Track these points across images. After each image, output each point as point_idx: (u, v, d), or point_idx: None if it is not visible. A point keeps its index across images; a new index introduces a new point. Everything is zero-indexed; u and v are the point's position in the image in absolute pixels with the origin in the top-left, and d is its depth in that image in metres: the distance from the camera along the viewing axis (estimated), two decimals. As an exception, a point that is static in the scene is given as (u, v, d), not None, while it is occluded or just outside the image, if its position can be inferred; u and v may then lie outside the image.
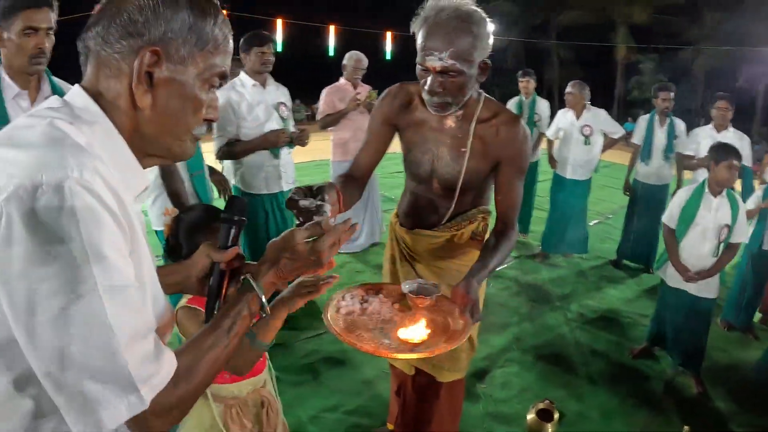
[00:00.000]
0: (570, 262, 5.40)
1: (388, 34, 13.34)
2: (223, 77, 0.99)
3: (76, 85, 0.91)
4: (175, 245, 1.67)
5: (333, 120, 5.05)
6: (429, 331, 1.52)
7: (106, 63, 0.89)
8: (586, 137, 5.23)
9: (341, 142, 5.12)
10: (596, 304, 4.43)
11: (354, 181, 1.97)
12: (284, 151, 3.78)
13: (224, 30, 0.96)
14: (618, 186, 6.14)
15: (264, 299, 1.06)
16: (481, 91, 1.91)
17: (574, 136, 5.27)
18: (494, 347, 3.66)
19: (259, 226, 3.73)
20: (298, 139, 3.76)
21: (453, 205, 1.99)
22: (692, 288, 3.26)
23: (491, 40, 1.73)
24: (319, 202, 1.37)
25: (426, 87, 1.73)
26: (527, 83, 5.96)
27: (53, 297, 0.73)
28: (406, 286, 1.63)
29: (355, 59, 5.07)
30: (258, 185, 3.71)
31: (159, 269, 1.14)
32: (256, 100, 3.69)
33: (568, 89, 5.37)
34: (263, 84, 3.75)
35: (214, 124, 3.45)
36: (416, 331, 1.51)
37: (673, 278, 3.34)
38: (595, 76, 25.56)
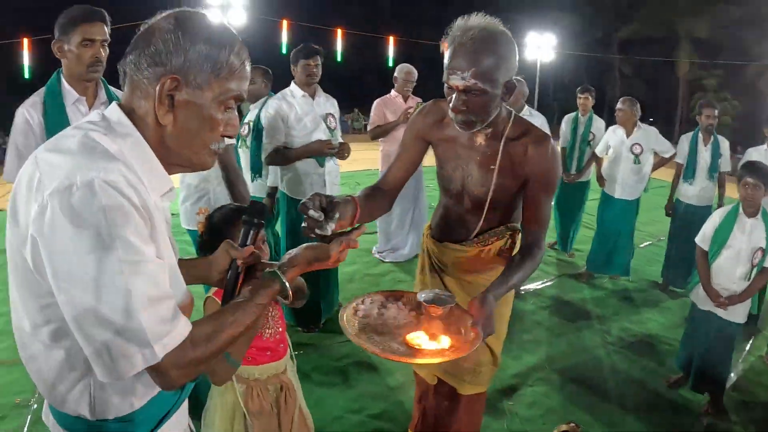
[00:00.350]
0: (615, 284, 5.30)
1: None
2: (240, 99, 1.14)
3: (114, 103, 1.09)
4: (207, 241, 1.79)
5: (382, 131, 5.14)
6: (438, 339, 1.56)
7: (138, 86, 1.07)
8: (636, 156, 5.12)
9: (389, 154, 5.19)
10: (636, 328, 4.33)
11: (381, 194, 2.03)
12: (330, 160, 3.91)
13: (241, 57, 1.12)
14: (672, 207, 6.03)
15: (289, 289, 1.25)
16: (511, 109, 1.94)
17: (624, 154, 5.16)
18: (526, 365, 3.64)
19: (301, 229, 3.84)
20: (337, 153, 3.87)
21: (481, 221, 2.02)
22: (721, 311, 3.17)
23: (516, 61, 1.76)
24: (321, 219, 1.48)
25: (450, 105, 1.77)
26: (586, 100, 5.88)
27: (85, 269, 0.93)
28: (422, 295, 1.66)
29: (405, 72, 5.13)
30: (303, 191, 3.85)
31: (185, 261, 1.36)
32: (304, 111, 3.84)
33: (619, 106, 5.23)
34: (312, 95, 3.91)
35: (264, 132, 3.75)
36: (424, 337, 1.57)
37: (703, 301, 3.25)
38: (657, 92, 24.96)
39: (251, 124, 4.02)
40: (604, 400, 3.30)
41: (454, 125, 1.89)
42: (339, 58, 13.37)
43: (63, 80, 2.39)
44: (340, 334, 3.80)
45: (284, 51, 12.94)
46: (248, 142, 4.01)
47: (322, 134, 3.86)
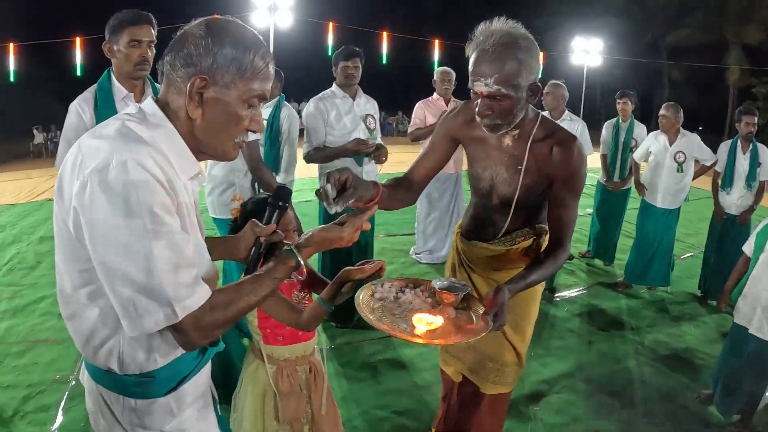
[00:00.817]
0: (652, 295, 5.22)
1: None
2: (263, 98, 1.29)
3: (149, 97, 1.26)
4: (240, 226, 1.89)
5: (424, 134, 5.22)
6: (442, 322, 1.65)
7: (173, 83, 1.23)
8: (680, 164, 5.03)
9: None
10: (671, 341, 4.27)
11: (406, 186, 2.14)
12: (369, 161, 4.03)
13: (265, 60, 1.26)
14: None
15: (303, 265, 1.39)
16: (538, 111, 1.99)
17: (667, 162, 5.06)
18: (554, 371, 3.65)
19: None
20: (375, 156, 3.98)
21: (508, 221, 2.07)
22: (754, 327, 3.06)
23: (539, 63, 1.82)
24: (333, 197, 1.58)
25: (476, 110, 1.86)
26: (625, 105, 5.77)
27: (117, 235, 1.09)
28: (437, 283, 1.75)
29: (441, 72, 5.19)
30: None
31: (215, 239, 1.59)
32: (344, 111, 4.01)
33: (663, 112, 5.13)
34: (353, 96, 4.07)
35: (305, 131, 3.94)
36: (431, 319, 1.65)
37: (740, 315, 3.15)
38: (706, 99, 24.28)
39: (264, 122, 4.15)
40: (632, 411, 3.27)
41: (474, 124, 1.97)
42: (384, 61, 13.53)
43: (113, 78, 2.56)
44: (372, 331, 3.99)
45: (330, 53, 13.11)
46: (262, 140, 4.15)
47: (361, 134, 3.99)
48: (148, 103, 1.24)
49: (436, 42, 13.12)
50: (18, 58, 15.24)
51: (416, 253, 5.80)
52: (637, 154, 5.44)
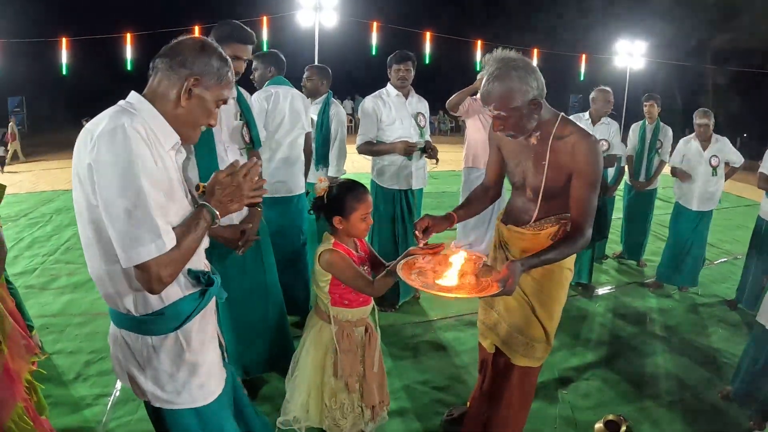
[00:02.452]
0: (683, 296, 5.36)
1: (534, 51, 13.46)
2: (225, 103, 1.71)
3: (133, 92, 1.62)
4: (322, 205, 2.42)
5: (458, 100, 5.41)
6: (458, 281, 2.09)
7: (168, 78, 1.61)
8: (714, 168, 5.17)
9: (473, 152, 5.54)
10: (698, 339, 4.42)
11: (484, 192, 2.70)
12: (419, 157, 4.43)
13: (231, 72, 1.70)
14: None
15: (215, 211, 1.66)
16: (558, 112, 2.31)
17: (702, 167, 5.20)
18: (584, 360, 3.90)
19: (387, 213, 4.41)
20: (428, 154, 4.39)
21: (537, 209, 2.38)
22: None
23: (531, 84, 2.14)
24: (422, 237, 2.33)
25: (492, 125, 2.30)
26: (651, 107, 5.93)
27: (116, 179, 1.42)
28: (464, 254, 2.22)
29: (481, 74, 5.40)
30: (390, 181, 4.41)
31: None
32: (397, 109, 4.37)
33: (703, 121, 5.20)
34: (406, 95, 4.43)
35: (360, 124, 4.40)
36: (450, 279, 2.10)
37: (764, 315, 3.23)
38: (750, 105, 23.71)
39: (314, 118, 4.51)
40: (655, 401, 3.44)
41: None
42: (427, 61, 13.75)
43: None
44: (415, 315, 4.45)
45: (374, 52, 13.52)
46: (313, 135, 4.48)
47: (411, 131, 4.37)
48: (133, 95, 1.62)
49: (479, 43, 13.28)
50: (70, 52, 15.79)
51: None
52: (674, 159, 5.53)
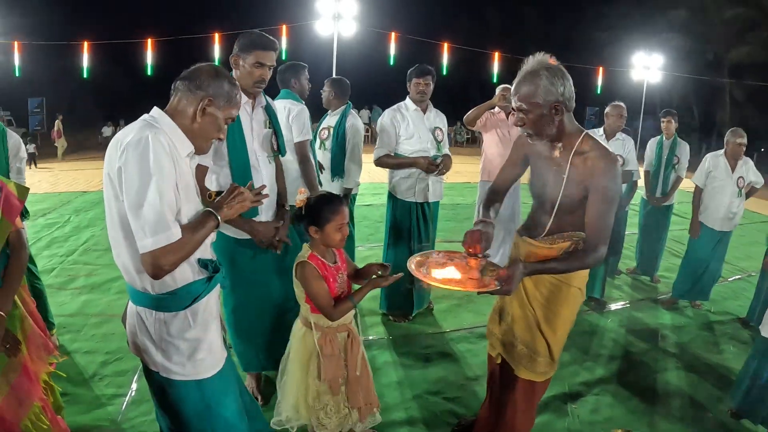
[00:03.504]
0: (695, 313, 5.35)
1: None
2: (233, 121, 2.03)
3: (155, 107, 1.91)
4: (303, 215, 2.52)
5: (477, 113, 5.45)
6: (456, 275, 2.23)
7: (186, 98, 1.90)
8: (740, 189, 5.15)
9: (489, 166, 5.55)
10: (709, 356, 4.41)
11: (497, 195, 2.72)
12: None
13: (240, 94, 2.00)
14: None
15: (218, 216, 1.94)
16: (583, 129, 2.35)
17: (729, 187, 5.16)
18: (595, 375, 3.90)
19: (404, 225, 4.45)
20: (440, 167, 4.34)
21: (551, 222, 2.40)
22: None
23: (558, 88, 2.21)
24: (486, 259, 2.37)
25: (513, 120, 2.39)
26: (669, 123, 5.93)
27: (139, 183, 1.70)
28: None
29: (503, 89, 5.43)
30: (407, 193, 4.44)
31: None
32: (415, 123, 4.40)
33: (740, 140, 5.13)
34: (424, 110, 4.46)
35: (378, 137, 4.42)
36: (448, 273, 2.25)
37: (766, 328, 3.25)
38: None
39: (331, 129, 4.56)
40: (664, 417, 3.44)
41: (543, 142, 2.39)
42: (444, 72, 13.81)
43: None
44: (428, 326, 4.51)
45: (392, 62, 13.58)
46: (327, 145, 4.55)
47: (429, 145, 4.37)
48: (156, 110, 1.89)
49: (496, 55, 13.30)
50: (91, 55, 16.01)
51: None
52: (698, 179, 5.37)
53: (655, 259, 6.20)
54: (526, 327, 2.51)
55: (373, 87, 24.21)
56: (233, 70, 2.91)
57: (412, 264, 2.30)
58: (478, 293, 2.17)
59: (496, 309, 2.74)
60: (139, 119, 1.86)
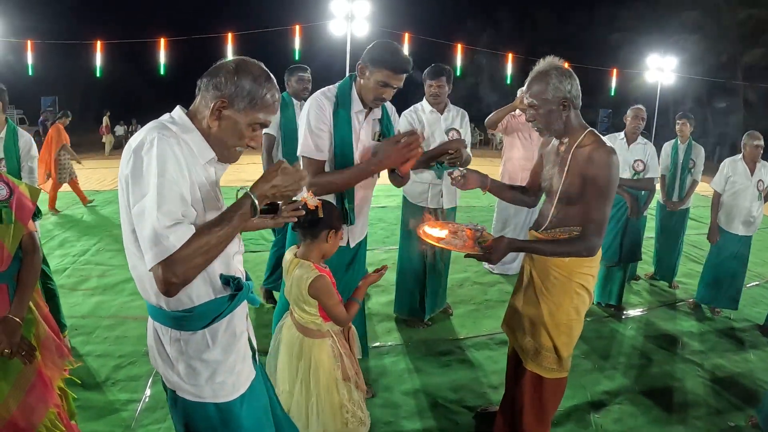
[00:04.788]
0: (716, 321, 5.25)
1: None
2: (264, 125, 1.72)
3: (178, 107, 1.71)
4: (316, 219, 2.39)
5: (497, 117, 5.45)
6: (445, 234, 2.52)
7: (205, 98, 1.68)
8: (761, 192, 5.07)
9: (510, 170, 5.47)
10: (730, 365, 4.33)
11: (523, 189, 2.92)
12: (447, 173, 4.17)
13: (273, 94, 1.70)
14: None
15: (256, 202, 1.65)
16: (588, 126, 2.50)
17: (750, 191, 5.08)
18: (617, 384, 3.82)
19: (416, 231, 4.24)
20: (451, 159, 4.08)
21: (551, 214, 2.56)
22: None
23: (566, 86, 2.40)
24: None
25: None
26: (684, 126, 5.84)
27: (146, 186, 1.49)
28: (468, 224, 2.61)
29: (521, 91, 5.35)
30: (420, 198, 4.35)
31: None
32: (430, 125, 4.30)
33: (757, 142, 5.08)
34: (441, 111, 4.35)
35: None
36: (439, 232, 2.54)
37: None
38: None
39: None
40: (687, 427, 3.38)
41: (552, 141, 2.63)
42: (458, 73, 13.75)
43: (354, 89, 2.80)
44: (446, 332, 4.44)
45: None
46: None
47: None
48: (177, 111, 1.70)
49: (510, 56, 13.24)
50: (104, 55, 16.08)
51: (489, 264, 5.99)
52: (717, 185, 5.29)
53: (673, 265, 6.11)
54: (531, 319, 2.64)
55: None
56: (357, 77, 2.78)
57: (420, 227, 2.57)
58: (465, 256, 2.42)
59: (511, 303, 2.85)
60: (155, 120, 1.67)
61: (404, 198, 4.46)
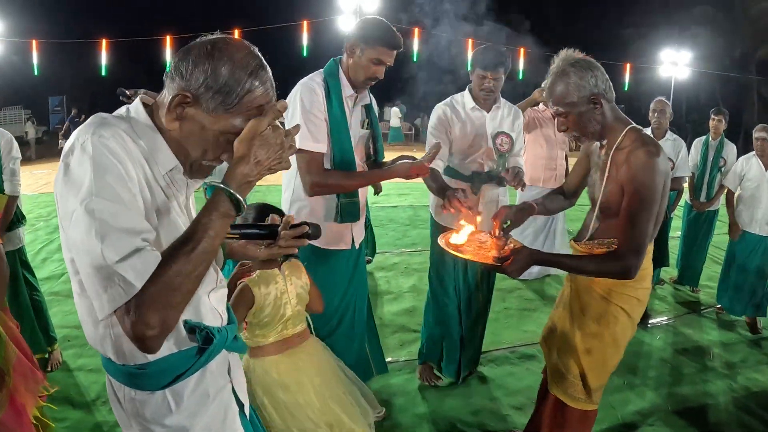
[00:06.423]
0: (745, 329, 4.94)
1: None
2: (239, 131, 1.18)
3: (138, 99, 1.27)
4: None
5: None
6: (465, 240, 2.23)
7: (169, 88, 1.20)
8: None
9: (531, 170, 5.20)
10: (763, 379, 4.04)
11: (560, 194, 2.62)
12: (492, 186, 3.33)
13: (263, 92, 1.20)
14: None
15: (237, 195, 1.15)
16: (630, 122, 2.16)
17: (765, 188, 4.82)
18: (648, 402, 3.56)
19: (447, 263, 3.45)
20: (507, 179, 3.01)
21: (592, 225, 2.25)
22: None
23: (590, 81, 2.07)
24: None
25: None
26: (719, 122, 5.55)
27: (73, 207, 1.06)
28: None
29: (538, 90, 5.10)
30: (450, 218, 3.05)
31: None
32: (471, 125, 3.22)
33: (763, 134, 4.86)
34: (488, 108, 3.25)
35: (427, 141, 3.30)
36: (460, 237, 2.24)
37: None
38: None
39: None
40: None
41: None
42: (469, 68, 13.44)
43: (341, 72, 2.58)
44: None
45: (415, 58, 13.31)
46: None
47: (485, 157, 3.23)
48: (135, 104, 1.26)
49: (521, 51, 13.02)
50: (109, 53, 15.97)
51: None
52: (730, 183, 5.10)
53: (698, 268, 5.82)
54: (563, 339, 2.37)
55: (395, 83, 23.94)
56: (345, 58, 2.55)
57: (442, 240, 2.25)
58: (483, 266, 2.25)
59: (551, 316, 2.58)
60: (98, 114, 1.20)
61: (432, 219, 3.46)
